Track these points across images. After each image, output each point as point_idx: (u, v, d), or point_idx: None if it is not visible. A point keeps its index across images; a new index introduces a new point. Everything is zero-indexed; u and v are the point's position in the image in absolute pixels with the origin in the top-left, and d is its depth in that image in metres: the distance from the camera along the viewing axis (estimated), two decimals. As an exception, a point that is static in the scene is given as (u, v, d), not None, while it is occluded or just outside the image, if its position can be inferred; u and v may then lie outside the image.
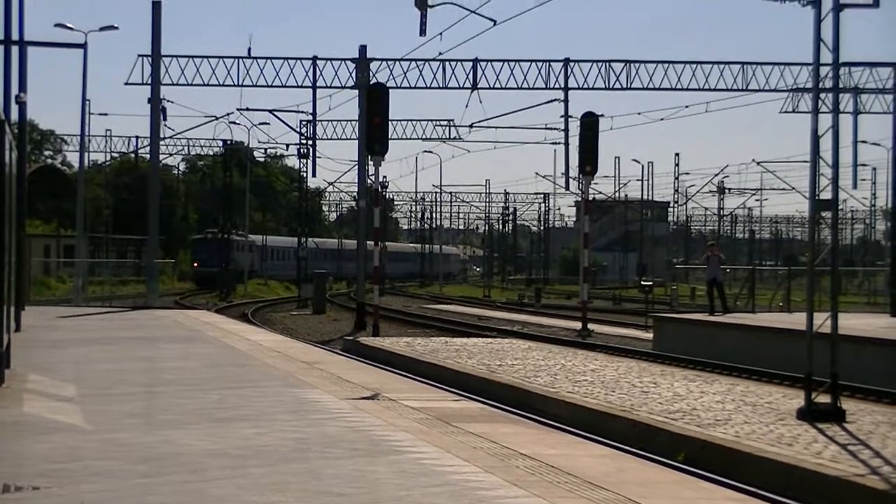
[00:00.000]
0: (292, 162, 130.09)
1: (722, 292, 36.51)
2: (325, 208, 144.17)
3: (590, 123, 42.15)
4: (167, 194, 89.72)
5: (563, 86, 53.98)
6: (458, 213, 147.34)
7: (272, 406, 15.14)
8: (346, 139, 73.45)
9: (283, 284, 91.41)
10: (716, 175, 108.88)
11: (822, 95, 16.78)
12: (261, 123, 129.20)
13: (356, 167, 51.56)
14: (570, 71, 53.80)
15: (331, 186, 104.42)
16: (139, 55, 49.25)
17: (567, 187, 70.15)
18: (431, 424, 13.65)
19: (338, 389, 17.03)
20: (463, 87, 53.27)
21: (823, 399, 15.81)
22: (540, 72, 53.74)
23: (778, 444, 13.70)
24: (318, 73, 52.39)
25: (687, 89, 53.63)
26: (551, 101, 56.10)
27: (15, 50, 32.85)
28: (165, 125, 57.04)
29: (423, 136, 73.68)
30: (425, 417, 14.23)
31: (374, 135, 36.52)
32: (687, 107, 59.30)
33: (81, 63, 58.69)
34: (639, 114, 64.75)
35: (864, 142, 69.28)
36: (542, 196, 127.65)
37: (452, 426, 13.51)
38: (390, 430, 13.02)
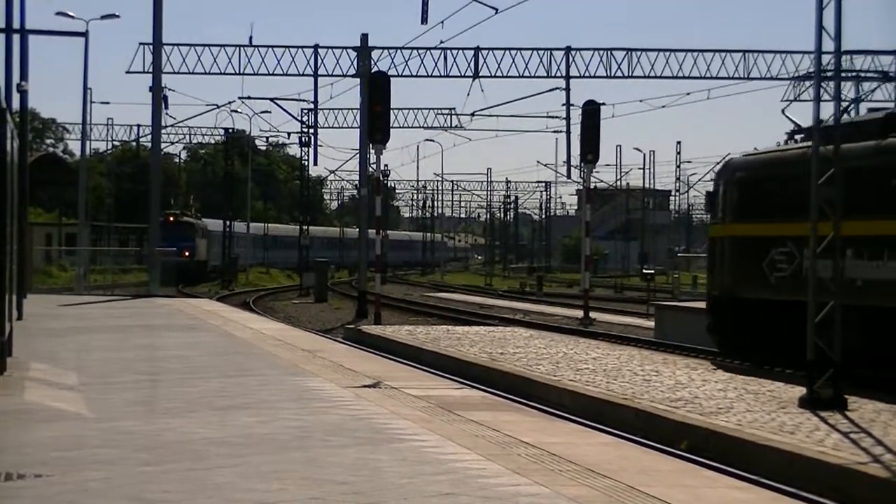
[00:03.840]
0: (294, 150, 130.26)
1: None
2: (326, 197, 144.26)
3: (591, 112, 42.15)
4: (168, 183, 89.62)
5: (564, 74, 53.95)
6: (460, 201, 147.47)
7: (274, 394, 15.15)
8: (348, 128, 73.50)
9: (285, 273, 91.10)
10: (717, 163, 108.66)
11: (824, 83, 16.76)
12: (262, 112, 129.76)
13: (357, 155, 51.55)
14: (571, 59, 53.76)
15: (332, 175, 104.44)
16: (140, 43, 49.27)
17: (568, 176, 70.39)
18: (433, 413, 13.66)
19: (339, 378, 17.04)
20: (464, 76, 53.25)
21: (825, 388, 15.80)
22: (541, 60, 53.73)
23: (780, 432, 13.70)
24: (319, 61, 52.37)
25: (689, 77, 53.61)
26: (553, 89, 56.12)
27: (16, 38, 32.85)
28: (167, 114, 57.15)
29: (425, 125, 73.72)
30: (427, 406, 14.24)
31: (375, 123, 36.52)
32: (688, 94, 59.34)
33: (83, 51, 58.69)
34: (640, 101, 64.61)
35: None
36: (543, 184, 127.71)
37: (454, 414, 13.51)
38: (392, 419, 13.03)
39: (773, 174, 22.46)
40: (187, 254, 70.56)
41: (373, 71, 44.90)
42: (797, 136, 22.85)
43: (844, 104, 21.57)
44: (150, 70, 45.64)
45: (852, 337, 18.30)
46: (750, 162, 23.88)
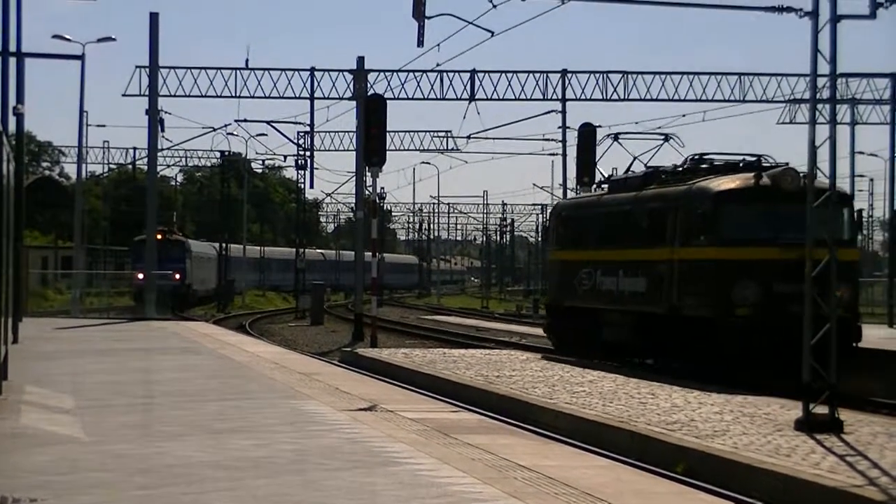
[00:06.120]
0: (290, 173, 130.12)
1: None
2: (322, 219, 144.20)
3: (587, 134, 42.14)
4: (165, 206, 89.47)
5: (560, 97, 54.12)
6: (456, 224, 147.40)
7: (270, 418, 15.12)
8: (344, 150, 73.55)
9: (281, 295, 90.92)
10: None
11: (820, 106, 16.80)
12: (258, 135, 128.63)
13: (354, 178, 51.61)
14: (567, 82, 53.91)
15: (328, 197, 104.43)
16: (137, 66, 49.43)
17: (564, 198, 69.88)
18: (429, 436, 13.64)
19: (336, 401, 17.02)
20: (461, 99, 53.37)
21: (821, 410, 15.79)
22: (538, 83, 53.88)
23: (776, 454, 13.69)
24: (315, 84, 52.48)
25: (684, 100, 53.72)
26: (549, 111, 56.28)
27: (12, 61, 32.91)
28: (163, 136, 57.10)
29: (421, 148, 73.80)
30: (423, 429, 14.22)
31: (371, 146, 36.52)
32: (684, 115, 59.37)
33: (79, 74, 58.65)
34: (636, 123, 64.59)
35: (861, 153, 69.36)
36: (539, 207, 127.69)
37: (450, 437, 13.50)
38: (388, 442, 13.01)
39: (579, 214, 29.72)
40: (178, 276, 63.21)
41: (369, 94, 44.96)
42: (603, 185, 29.37)
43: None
44: (147, 93, 45.68)
45: (621, 332, 26.48)
46: (569, 204, 32.25)
